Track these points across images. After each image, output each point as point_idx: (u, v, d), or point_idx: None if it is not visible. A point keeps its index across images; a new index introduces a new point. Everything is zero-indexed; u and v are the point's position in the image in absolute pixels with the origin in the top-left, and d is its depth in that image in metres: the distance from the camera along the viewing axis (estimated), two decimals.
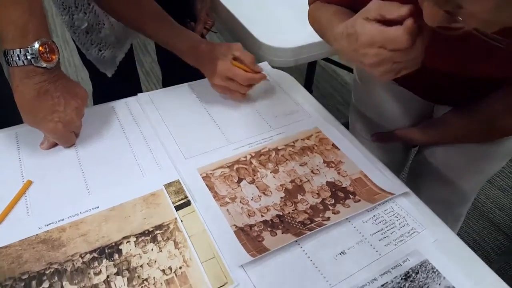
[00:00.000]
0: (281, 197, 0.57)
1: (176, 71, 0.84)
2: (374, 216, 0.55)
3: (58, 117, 0.56)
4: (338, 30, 0.51)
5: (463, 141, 0.74)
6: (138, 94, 0.74)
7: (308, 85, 1.65)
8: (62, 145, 0.62)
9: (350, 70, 1.95)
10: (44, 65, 0.52)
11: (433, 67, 0.58)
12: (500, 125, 0.65)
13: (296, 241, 0.51)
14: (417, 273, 0.48)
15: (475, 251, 0.52)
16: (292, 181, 0.60)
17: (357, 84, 0.88)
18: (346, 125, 0.93)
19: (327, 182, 0.60)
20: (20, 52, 0.51)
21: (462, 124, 0.72)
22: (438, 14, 0.36)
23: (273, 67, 0.84)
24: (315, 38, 0.90)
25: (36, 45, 0.51)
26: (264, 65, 0.84)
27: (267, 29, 0.95)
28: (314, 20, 0.69)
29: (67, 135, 0.60)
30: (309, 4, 0.70)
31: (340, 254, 0.50)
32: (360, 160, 0.63)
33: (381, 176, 0.61)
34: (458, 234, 1.29)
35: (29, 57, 0.51)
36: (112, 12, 0.78)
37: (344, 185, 0.59)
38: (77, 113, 0.59)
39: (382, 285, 0.47)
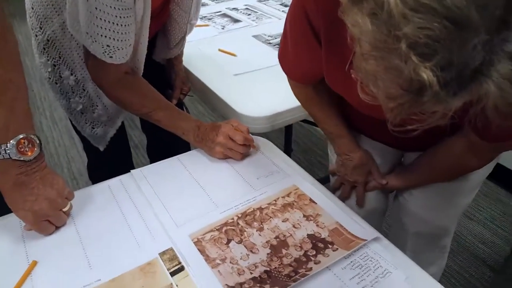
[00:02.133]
0: (267, 253, 0.63)
1: (160, 137, 0.94)
2: (351, 262, 0.61)
3: (28, 207, 0.60)
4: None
5: (435, 181, 0.84)
6: (132, 171, 0.81)
7: (288, 143, 1.75)
8: (38, 232, 0.65)
9: None
10: (21, 158, 0.57)
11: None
12: (462, 163, 0.74)
13: None
14: None
15: (464, 287, 0.57)
16: (276, 237, 0.66)
17: None
18: (328, 177, 1.01)
19: (307, 234, 0.66)
20: (1, 148, 0.56)
21: (430, 166, 0.81)
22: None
23: (251, 133, 0.93)
24: (290, 104, 1.00)
25: (14, 141, 0.56)
26: None
27: (243, 99, 1.05)
28: (303, 102, 0.85)
29: (38, 224, 0.64)
30: (289, 79, 0.82)
31: None
32: (335, 211, 0.70)
33: (355, 224, 0.67)
34: (446, 272, 1.32)
35: (7, 151, 0.56)
36: (118, 102, 0.89)
37: (323, 236, 0.65)
38: (49, 203, 0.62)
39: None
